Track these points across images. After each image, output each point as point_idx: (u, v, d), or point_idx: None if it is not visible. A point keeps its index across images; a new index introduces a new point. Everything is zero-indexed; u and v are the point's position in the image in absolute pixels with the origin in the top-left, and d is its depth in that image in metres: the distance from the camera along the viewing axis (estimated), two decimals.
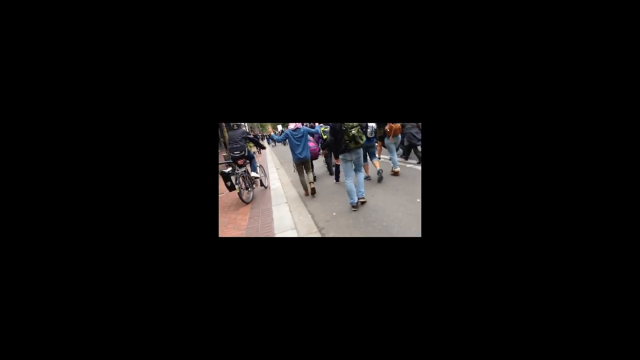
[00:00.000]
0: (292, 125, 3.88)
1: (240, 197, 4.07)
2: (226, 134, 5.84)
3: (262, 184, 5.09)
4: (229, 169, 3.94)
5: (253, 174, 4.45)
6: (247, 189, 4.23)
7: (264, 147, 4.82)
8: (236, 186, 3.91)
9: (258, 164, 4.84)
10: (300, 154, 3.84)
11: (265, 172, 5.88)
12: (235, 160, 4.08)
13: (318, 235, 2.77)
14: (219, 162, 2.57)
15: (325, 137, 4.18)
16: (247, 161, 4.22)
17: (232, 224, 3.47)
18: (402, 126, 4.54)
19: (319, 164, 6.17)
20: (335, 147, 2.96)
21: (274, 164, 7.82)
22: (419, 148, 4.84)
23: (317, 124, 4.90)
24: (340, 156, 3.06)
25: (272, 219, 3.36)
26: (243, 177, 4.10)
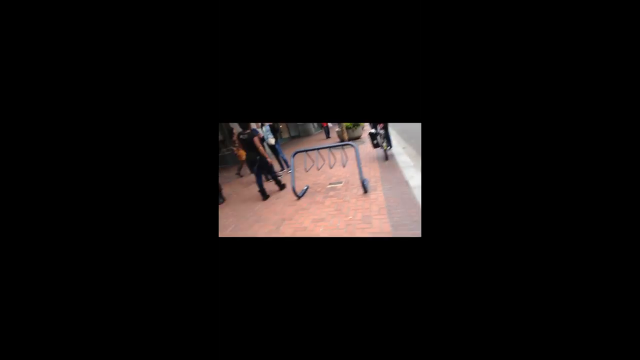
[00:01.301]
0: None
1: (385, 153, 4.78)
2: None
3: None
4: (374, 130, 4.76)
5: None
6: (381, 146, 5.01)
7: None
8: (381, 144, 4.68)
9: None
10: None
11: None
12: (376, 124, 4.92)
13: None
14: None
15: None
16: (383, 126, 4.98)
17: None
18: None
19: None
20: None
21: (398, 142, 6.52)
22: None
23: None
24: None
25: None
26: (382, 136, 4.84)
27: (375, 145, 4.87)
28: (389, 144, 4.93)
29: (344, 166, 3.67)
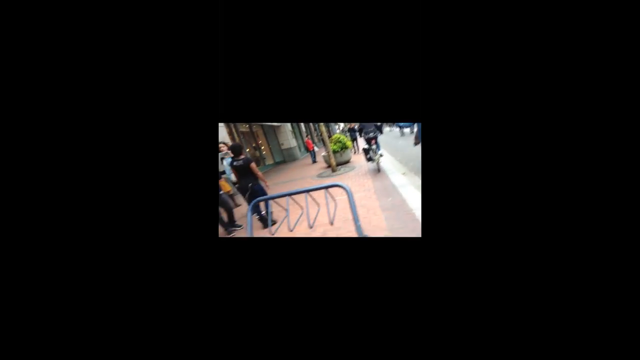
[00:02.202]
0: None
1: (377, 165, 5.64)
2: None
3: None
4: (366, 146, 5.68)
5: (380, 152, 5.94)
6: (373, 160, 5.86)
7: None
8: (374, 158, 5.55)
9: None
10: None
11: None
12: (369, 140, 5.67)
13: None
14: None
15: None
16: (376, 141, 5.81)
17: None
18: None
19: None
20: None
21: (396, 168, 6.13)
22: None
23: None
24: None
25: None
26: (374, 151, 5.77)
27: (369, 159, 5.73)
28: (378, 147, 5.74)
29: (331, 223, 2.70)
